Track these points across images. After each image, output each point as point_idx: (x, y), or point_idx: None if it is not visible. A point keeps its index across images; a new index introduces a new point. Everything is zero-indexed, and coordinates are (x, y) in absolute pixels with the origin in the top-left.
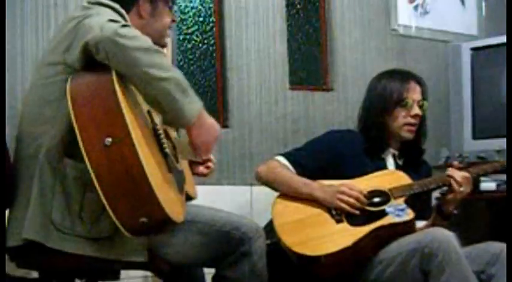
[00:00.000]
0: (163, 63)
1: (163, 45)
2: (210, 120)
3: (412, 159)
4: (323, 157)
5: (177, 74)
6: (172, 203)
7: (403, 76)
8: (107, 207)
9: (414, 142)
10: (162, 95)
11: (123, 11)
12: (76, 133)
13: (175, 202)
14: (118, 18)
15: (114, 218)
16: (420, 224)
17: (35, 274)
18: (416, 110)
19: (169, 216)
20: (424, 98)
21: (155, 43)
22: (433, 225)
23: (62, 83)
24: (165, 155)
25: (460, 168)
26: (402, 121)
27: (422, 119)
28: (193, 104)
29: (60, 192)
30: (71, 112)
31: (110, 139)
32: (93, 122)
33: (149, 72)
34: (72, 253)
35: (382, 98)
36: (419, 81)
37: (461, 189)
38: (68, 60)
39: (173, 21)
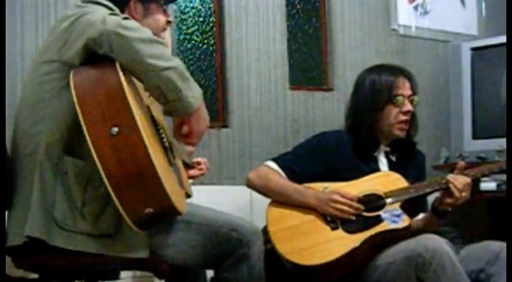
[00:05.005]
0: (165, 53)
1: None
2: (204, 109)
3: (405, 154)
4: (314, 161)
5: (179, 63)
6: (176, 193)
7: (392, 72)
8: (113, 196)
9: (405, 137)
10: (165, 84)
11: (117, 10)
12: (81, 123)
13: (179, 193)
14: None
15: (119, 207)
16: (418, 216)
17: (34, 274)
18: (408, 106)
19: (174, 205)
20: (414, 93)
21: None
22: (428, 222)
23: (58, 81)
24: (165, 149)
25: (464, 169)
26: (394, 119)
27: (413, 114)
28: (194, 92)
29: (61, 189)
30: (76, 103)
31: (116, 128)
32: (99, 112)
33: (153, 62)
34: (74, 250)
35: (371, 96)
36: (408, 76)
37: (463, 195)
38: (63, 57)
39: (168, 22)
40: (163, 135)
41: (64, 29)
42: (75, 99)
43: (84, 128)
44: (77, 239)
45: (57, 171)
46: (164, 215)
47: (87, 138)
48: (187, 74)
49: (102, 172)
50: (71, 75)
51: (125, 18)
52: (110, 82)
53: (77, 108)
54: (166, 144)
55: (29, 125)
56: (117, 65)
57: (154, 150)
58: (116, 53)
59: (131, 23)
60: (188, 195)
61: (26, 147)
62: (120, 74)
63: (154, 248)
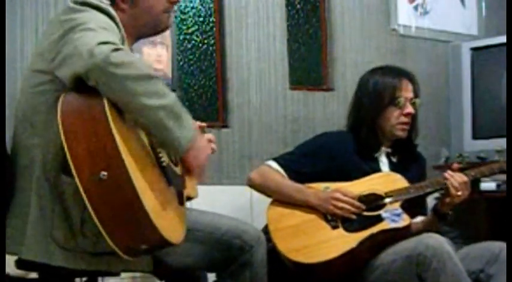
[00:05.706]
0: (156, 90)
1: (164, 29)
2: (202, 142)
3: (406, 156)
4: (315, 161)
5: (170, 99)
6: (171, 226)
7: (395, 74)
8: (107, 238)
9: (406, 139)
10: (154, 125)
11: (112, 12)
12: (69, 162)
13: (175, 222)
14: (107, 20)
15: (115, 248)
16: (417, 219)
17: (34, 274)
18: (409, 109)
19: (169, 241)
20: (416, 96)
21: (153, 32)
22: (429, 225)
23: (51, 93)
24: (163, 169)
25: (459, 170)
26: (395, 121)
27: (413, 116)
28: (186, 131)
29: (59, 209)
30: (64, 142)
31: (105, 173)
32: (87, 155)
33: (140, 101)
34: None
35: (374, 97)
36: (411, 79)
37: (459, 193)
38: (55, 72)
39: (172, 2)
40: (161, 154)
41: (57, 39)
42: (62, 138)
43: (72, 169)
44: (79, 258)
45: (54, 190)
46: (159, 248)
47: (76, 179)
48: (181, 111)
49: (92, 214)
50: (58, 107)
51: (115, 50)
52: (97, 121)
53: (64, 147)
54: (164, 163)
55: (25, 136)
56: (106, 100)
57: (145, 187)
58: (103, 89)
59: (120, 56)
60: (190, 197)
61: (22, 159)
62: (108, 109)
63: (157, 255)
